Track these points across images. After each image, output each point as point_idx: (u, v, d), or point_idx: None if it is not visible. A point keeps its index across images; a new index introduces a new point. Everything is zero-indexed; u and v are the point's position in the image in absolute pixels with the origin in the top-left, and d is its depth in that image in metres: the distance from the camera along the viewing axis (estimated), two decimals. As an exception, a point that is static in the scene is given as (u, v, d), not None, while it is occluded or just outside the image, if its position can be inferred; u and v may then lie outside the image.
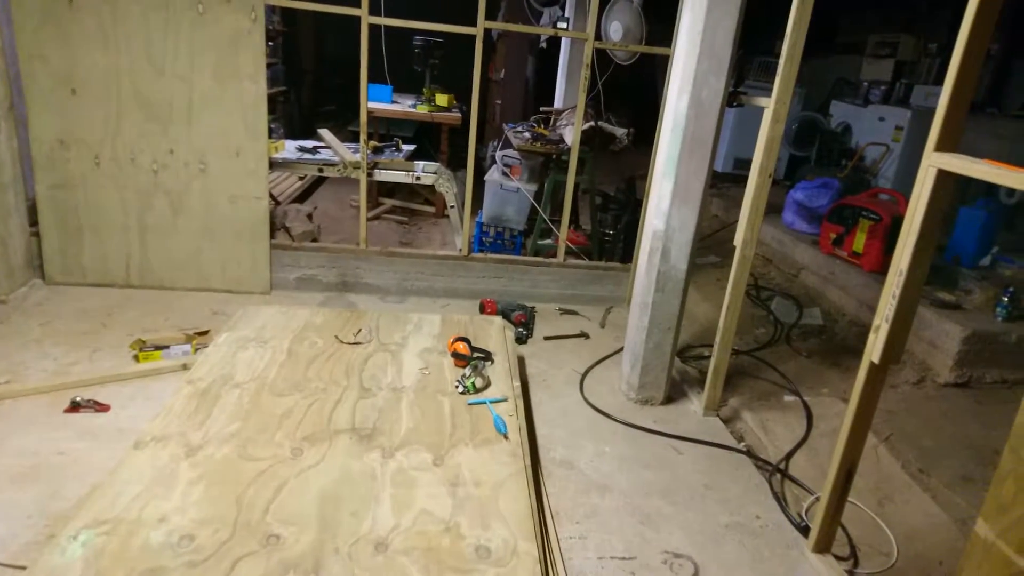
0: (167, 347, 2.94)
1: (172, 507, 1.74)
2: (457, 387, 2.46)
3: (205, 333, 3.06)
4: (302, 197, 5.61)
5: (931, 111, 1.69)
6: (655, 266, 2.85)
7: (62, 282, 3.56)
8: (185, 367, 2.82)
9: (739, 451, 2.71)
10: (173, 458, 1.93)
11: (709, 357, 2.93)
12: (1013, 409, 1.22)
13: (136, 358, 2.87)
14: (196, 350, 2.95)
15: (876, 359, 1.84)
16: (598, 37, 3.77)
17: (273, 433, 2.10)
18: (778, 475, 2.57)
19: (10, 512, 1.96)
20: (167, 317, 3.34)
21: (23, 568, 1.70)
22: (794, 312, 4.16)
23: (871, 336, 1.85)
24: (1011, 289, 3.48)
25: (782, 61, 2.41)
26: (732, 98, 2.73)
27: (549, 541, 2.04)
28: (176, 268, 3.65)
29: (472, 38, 3.52)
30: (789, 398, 3.15)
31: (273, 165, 3.80)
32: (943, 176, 1.65)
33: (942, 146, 1.65)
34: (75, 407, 2.48)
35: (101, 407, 2.51)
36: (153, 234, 3.58)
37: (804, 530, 2.23)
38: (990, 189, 4.71)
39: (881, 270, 4.04)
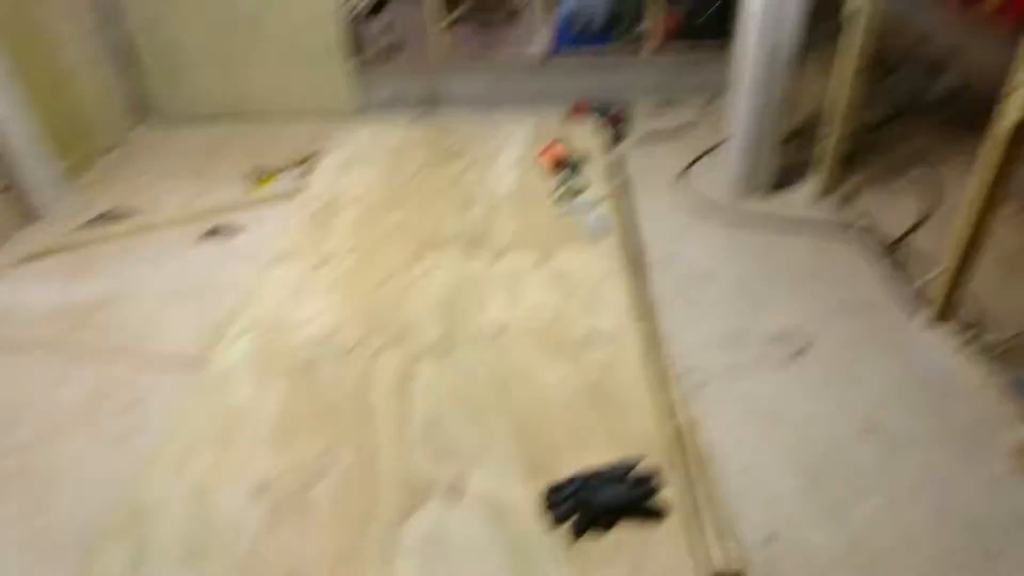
0: (280, 172, 3.11)
1: (313, 311, 1.96)
2: (554, 192, 2.47)
3: (310, 158, 3.19)
4: (376, 8, 5.36)
5: None
6: (761, 42, 2.60)
7: (167, 121, 3.73)
8: (298, 191, 2.99)
9: (854, 231, 2.61)
10: (305, 271, 2.14)
11: (822, 141, 2.74)
12: None
13: (254, 184, 3.06)
14: (304, 175, 3.10)
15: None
16: None
17: (389, 244, 2.24)
18: (897, 252, 2.47)
19: (181, 323, 2.26)
20: (271, 146, 3.47)
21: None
22: (920, 82, 3.73)
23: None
24: None
25: None
26: None
27: (654, 325, 2.14)
28: (271, 95, 3.72)
29: None
30: (912, 173, 2.93)
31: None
32: None
33: None
34: (213, 232, 2.72)
35: (234, 232, 2.74)
36: (240, 64, 3.62)
37: (924, 303, 2.18)
38: None
39: (1034, 21, 3.46)
